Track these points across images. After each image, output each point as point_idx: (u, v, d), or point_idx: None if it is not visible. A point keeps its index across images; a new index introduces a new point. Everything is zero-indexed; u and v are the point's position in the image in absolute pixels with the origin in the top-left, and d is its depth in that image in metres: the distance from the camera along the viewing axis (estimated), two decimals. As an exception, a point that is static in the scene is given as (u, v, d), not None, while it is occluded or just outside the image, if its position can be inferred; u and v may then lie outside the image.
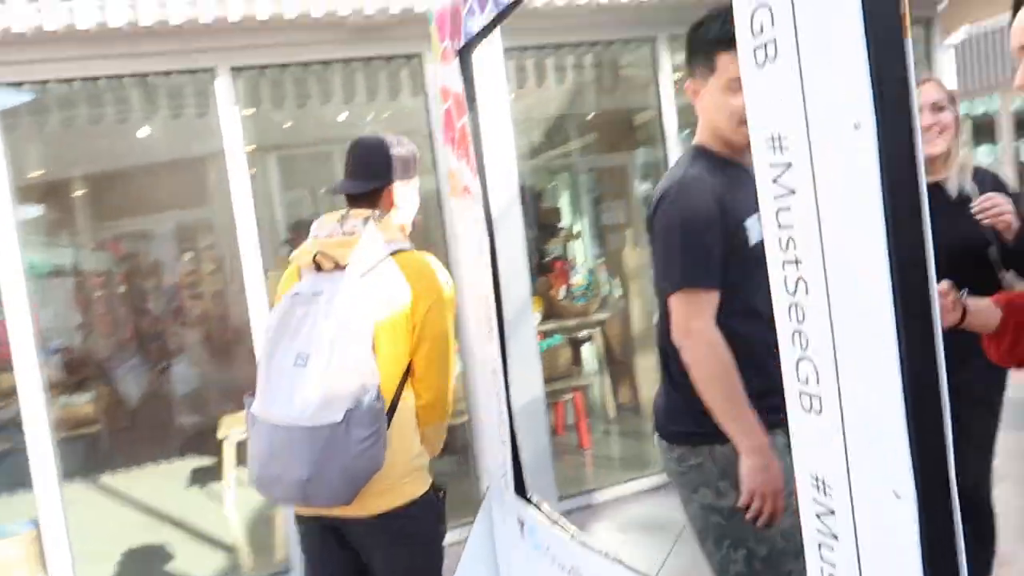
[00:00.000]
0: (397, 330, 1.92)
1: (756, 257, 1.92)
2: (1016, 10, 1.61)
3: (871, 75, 0.78)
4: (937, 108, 2.32)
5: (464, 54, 1.94)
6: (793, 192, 0.91)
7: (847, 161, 0.82)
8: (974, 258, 2.31)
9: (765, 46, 0.91)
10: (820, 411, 0.92)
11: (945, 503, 0.81)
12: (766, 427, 1.85)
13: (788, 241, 0.93)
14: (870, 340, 0.82)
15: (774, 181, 0.94)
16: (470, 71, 1.94)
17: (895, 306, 0.79)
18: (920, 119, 2.27)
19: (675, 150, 4.32)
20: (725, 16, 1.85)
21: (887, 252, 0.79)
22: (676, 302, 1.87)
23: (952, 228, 2.29)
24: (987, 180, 2.41)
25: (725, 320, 1.90)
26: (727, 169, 2.00)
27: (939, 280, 1.14)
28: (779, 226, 0.94)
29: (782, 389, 1.97)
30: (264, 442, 1.87)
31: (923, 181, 0.80)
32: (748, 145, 1.98)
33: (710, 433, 1.87)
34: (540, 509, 1.88)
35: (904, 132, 0.78)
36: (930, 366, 0.80)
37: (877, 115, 0.78)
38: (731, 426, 1.81)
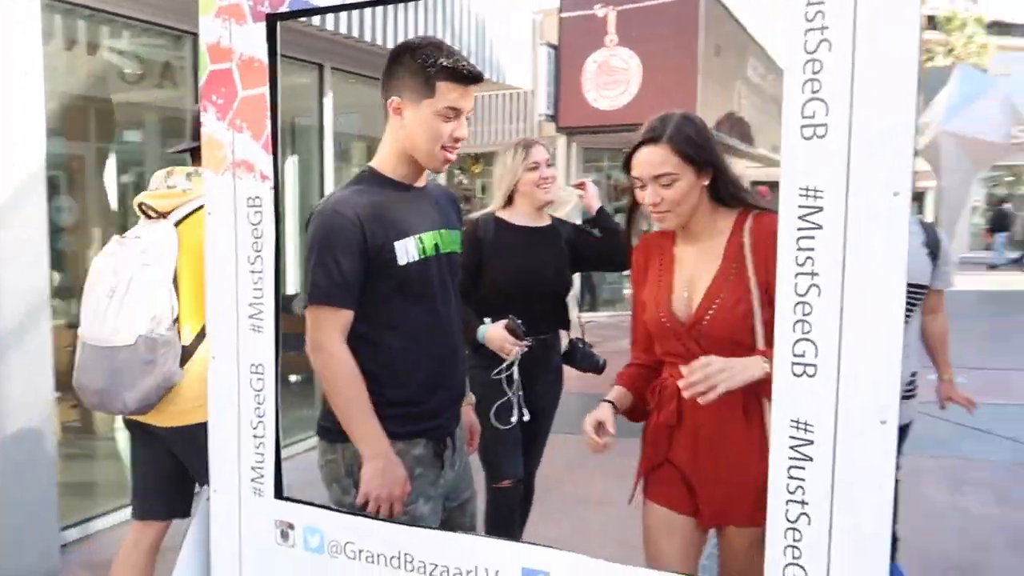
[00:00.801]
0: (203, 270, 2.07)
1: (407, 276, 2.02)
2: (637, 148, 1.97)
3: (911, 158, 1.30)
4: (548, 164, 2.97)
5: (272, 20, 1.80)
6: (820, 227, 1.36)
7: (885, 217, 1.31)
8: (562, 280, 3.08)
9: (815, 128, 1.35)
10: (813, 375, 1.38)
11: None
12: (406, 436, 2.01)
13: (806, 259, 1.37)
14: (879, 328, 1.32)
15: (801, 217, 1.37)
16: (276, 40, 1.81)
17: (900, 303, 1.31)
18: (541, 172, 2.92)
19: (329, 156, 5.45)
20: (450, 51, 1.96)
21: (903, 275, 1.31)
22: (308, 315, 1.97)
23: (556, 259, 3.02)
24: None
25: (369, 331, 2.00)
26: (396, 191, 2.06)
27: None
28: (798, 248, 1.38)
29: (424, 402, 2.15)
30: (79, 356, 2.27)
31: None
32: (438, 165, 2.07)
33: (342, 432, 1.98)
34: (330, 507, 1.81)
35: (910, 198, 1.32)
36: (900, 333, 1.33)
37: (911, 187, 1.30)
38: (353, 432, 1.95)
